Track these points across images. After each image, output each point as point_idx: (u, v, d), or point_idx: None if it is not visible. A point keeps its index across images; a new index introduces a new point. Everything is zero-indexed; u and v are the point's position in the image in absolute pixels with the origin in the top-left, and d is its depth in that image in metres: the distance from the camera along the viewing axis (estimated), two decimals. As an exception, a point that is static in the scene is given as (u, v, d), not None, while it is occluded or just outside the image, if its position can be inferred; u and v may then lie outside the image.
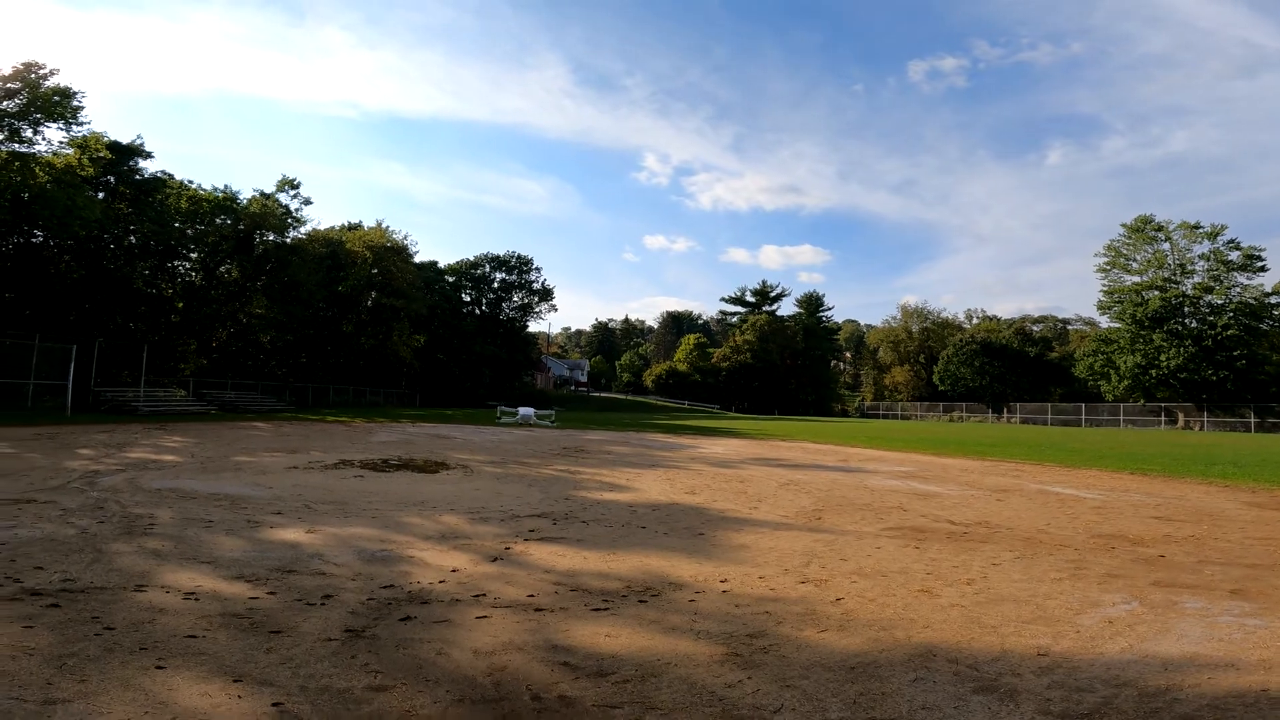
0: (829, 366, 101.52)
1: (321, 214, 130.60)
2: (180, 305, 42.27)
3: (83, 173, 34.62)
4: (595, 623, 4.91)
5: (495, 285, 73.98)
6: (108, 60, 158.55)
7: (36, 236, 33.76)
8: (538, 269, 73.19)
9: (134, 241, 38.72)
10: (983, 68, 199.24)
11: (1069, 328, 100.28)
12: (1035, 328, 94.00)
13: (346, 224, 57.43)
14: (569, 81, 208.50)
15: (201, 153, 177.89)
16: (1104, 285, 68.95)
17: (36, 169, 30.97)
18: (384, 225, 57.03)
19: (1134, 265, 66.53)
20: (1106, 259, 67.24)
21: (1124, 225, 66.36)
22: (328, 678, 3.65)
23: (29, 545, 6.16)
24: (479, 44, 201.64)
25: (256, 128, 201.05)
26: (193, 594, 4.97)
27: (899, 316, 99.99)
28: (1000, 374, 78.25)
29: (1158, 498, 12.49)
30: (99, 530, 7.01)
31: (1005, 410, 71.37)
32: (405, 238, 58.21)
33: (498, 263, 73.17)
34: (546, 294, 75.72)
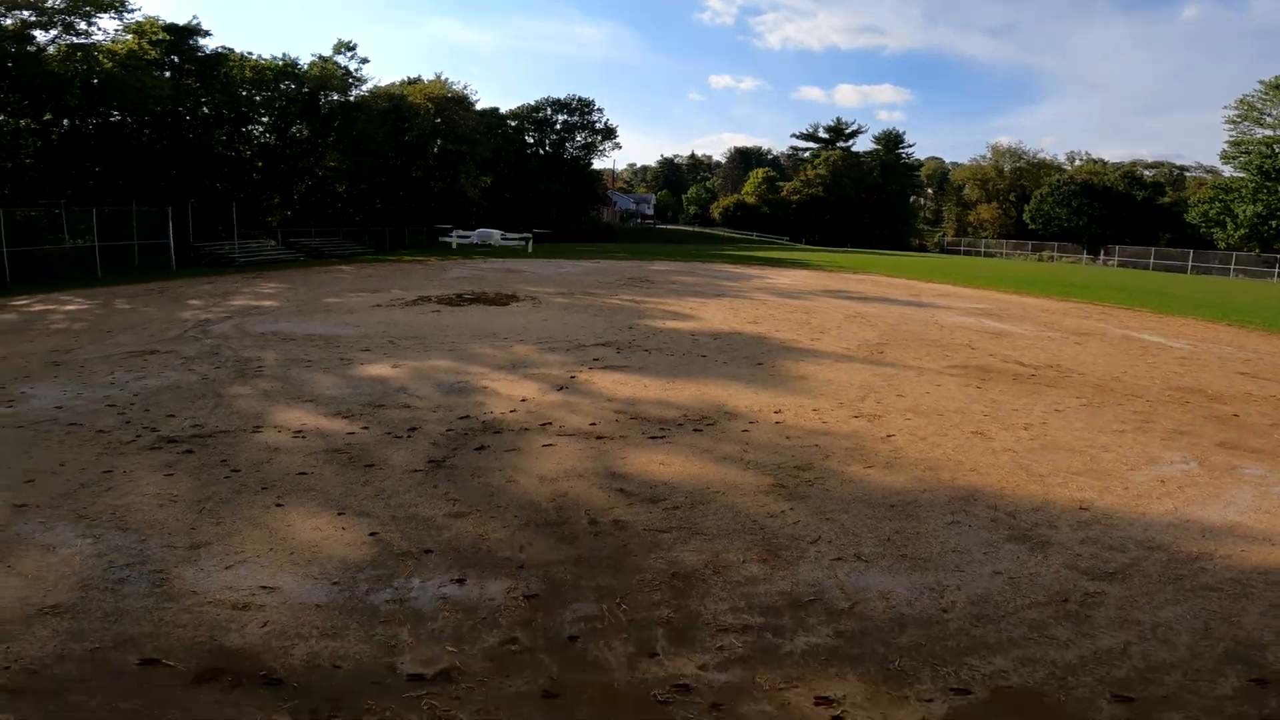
0: (908, 201, 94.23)
1: (381, 73, 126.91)
2: (259, 165, 44.97)
3: (146, 56, 35.90)
4: (651, 450, 5.34)
5: (557, 127, 72.54)
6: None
7: (114, 115, 35.82)
8: (599, 109, 70.92)
9: (207, 112, 41.09)
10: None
11: (1186, 174, 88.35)
12: (1147, 173, 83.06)
13: (406, 79, 57.28)
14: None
15: (256, 27, 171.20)
16: (1231, 136, 61.18)
17: (100, 57, 32.44)
18: (443, 78, 56.48)
19: (1268, 120, 58.74)
20: (1238, 112, 59.51)
21: (1262, 81, 58.05)
22: (414, 507, 4.24)
23: (159, 394, 7.02)
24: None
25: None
26: (300, 432, 5.69)
27: (989, 156, 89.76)
28: (1101, 216, 70.86)
29: (1250, 352, 11.57)
30: (216, 375, 7.88)
31: (1103, 252, 65.84)
32: (465, 88, 57.58)
33: (559, 105, 71.24)
34: (609, 132, 73.84)
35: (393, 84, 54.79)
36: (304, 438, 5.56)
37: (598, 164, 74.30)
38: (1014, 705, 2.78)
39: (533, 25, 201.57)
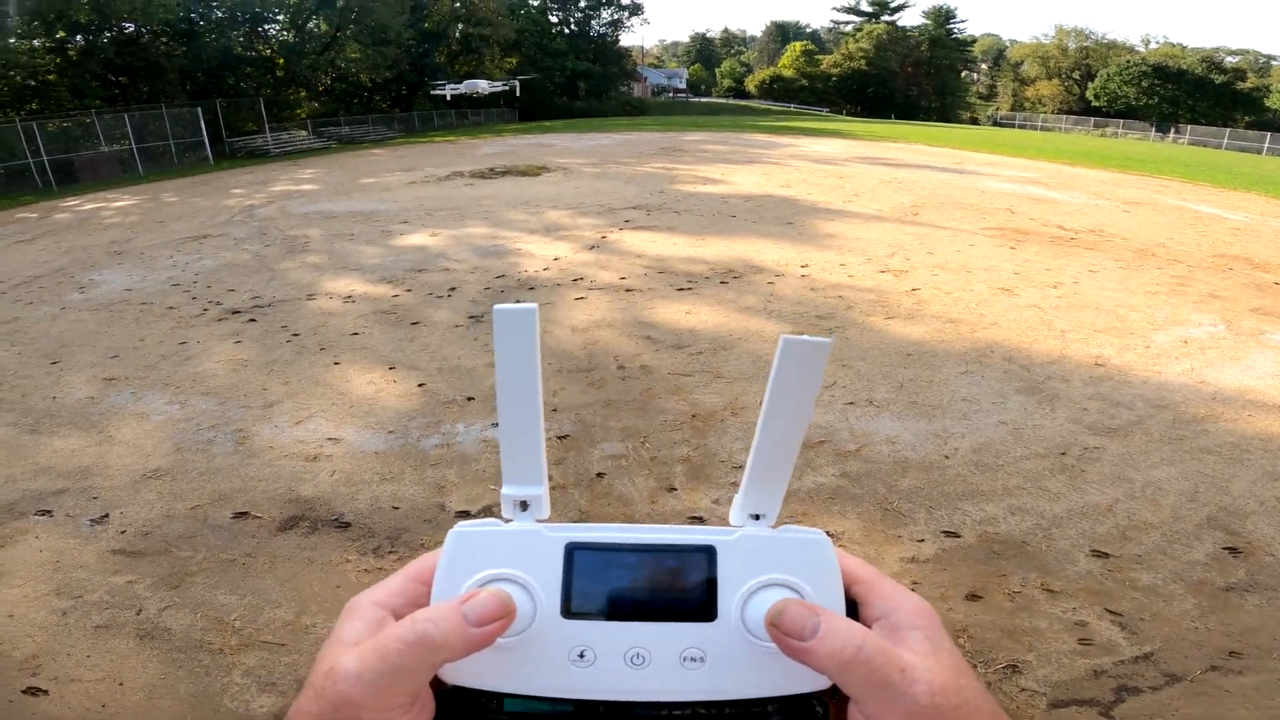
0: (958, 75, 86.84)
1: None
2: (281, 61, 44.14)
3: None
4: (678, 302, 5.58)
5: (581, 4, 68.45)
6: None
7: (127, 28, 35.21)
8: (625, -17, 66.05)
9: (221, 15, 39.86)
10: None
11: (1274, 63, 78.51)
12: (1231, 59, 73.89)
13: None
14: None
15: None
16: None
17: None
18: None
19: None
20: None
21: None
22: (457, 359, 4.60)
23: (218, 272, 7.46)
24: None
25: None
26: (350, 298, 6.07)
27: (1052, 35, 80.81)
28: (1173, 97, 64.27)
29: (1311, 228, 11.05)
30: (267, 253, 8.29)
31: (1173, 130, 60.40)
32: None
33: (581, -19, 66.74)
34: (636, 8, 69.73)
35: None
36: (354, 302, 5.95)
37: (625, 40, 70.31)
38: (998, 551, 2.97)
39: None
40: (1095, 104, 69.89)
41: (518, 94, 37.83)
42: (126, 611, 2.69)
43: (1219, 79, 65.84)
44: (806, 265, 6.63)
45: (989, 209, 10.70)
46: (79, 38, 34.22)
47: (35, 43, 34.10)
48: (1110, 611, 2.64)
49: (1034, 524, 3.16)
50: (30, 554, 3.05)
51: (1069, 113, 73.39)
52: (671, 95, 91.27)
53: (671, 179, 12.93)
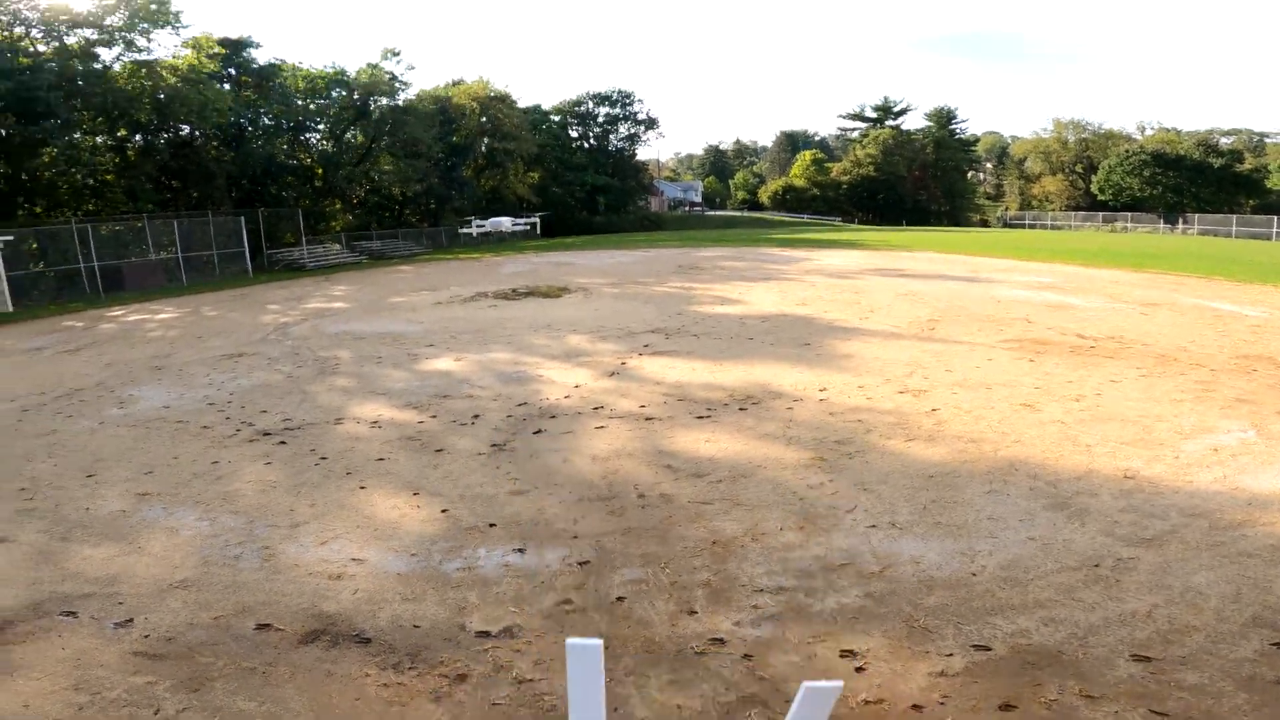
0: (964, 177, 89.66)
1: (424, 77, 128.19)
2: (320, 171, 46.94)
3: (204, 70, 37.72)
4: (698, 430, 5.63)
5: (600, 120, 73.29)
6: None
7: (183, 129, 37.89)
8: (640, 100, 71.57)
9: (268, 122, 42.89)
10: None
11: (1267, 140, 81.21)
12: (1225, 140, 76.50)
13: (450, 81, 59.34)
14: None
15: (304, 37, 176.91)
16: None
17: (163, 72, 34.54)
18: (485, 79, 58.47)
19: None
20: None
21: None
22: (480, 486, 4.67)
23: (251, 392, 7.74)
24: None
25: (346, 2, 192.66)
26: (376, 423, 6.23)
27: (1050, 129, 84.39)
28: (1176, 185, 65.87)
29: (1333, 316, 10.96)
30: (299, 374, 8.59)
31: (1180, 221, 61.40)
32: (507, 87, 59.04)
33: (600, 99, 72.08)
34: (652, 123, 74.22)
35: (437, 87, 56.68)
36: (380, 427, 6.10)
37: (642, 154, 74.61)
38: (1032, 662, 2.88)
39: (571, 10, 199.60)
40: (1101, 197, 71.39)
41: (539, 231, 40.87)
42: (145, 710, 2.70)
43: (1217, 162, 67.21)
44: (825, 389, 6.70)
45: (1006, 319, 10.80)
46: (138, 137, 36.93)
47: (98, 139, 36.56)
48: (1156, 713, 2.54)
49: (1069, 633, 3.07)
50: (52, 650, 3.09)
51: (1076, 208, 74.86)
52: (687, 209, 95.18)
53: (689, 299, 13.35)
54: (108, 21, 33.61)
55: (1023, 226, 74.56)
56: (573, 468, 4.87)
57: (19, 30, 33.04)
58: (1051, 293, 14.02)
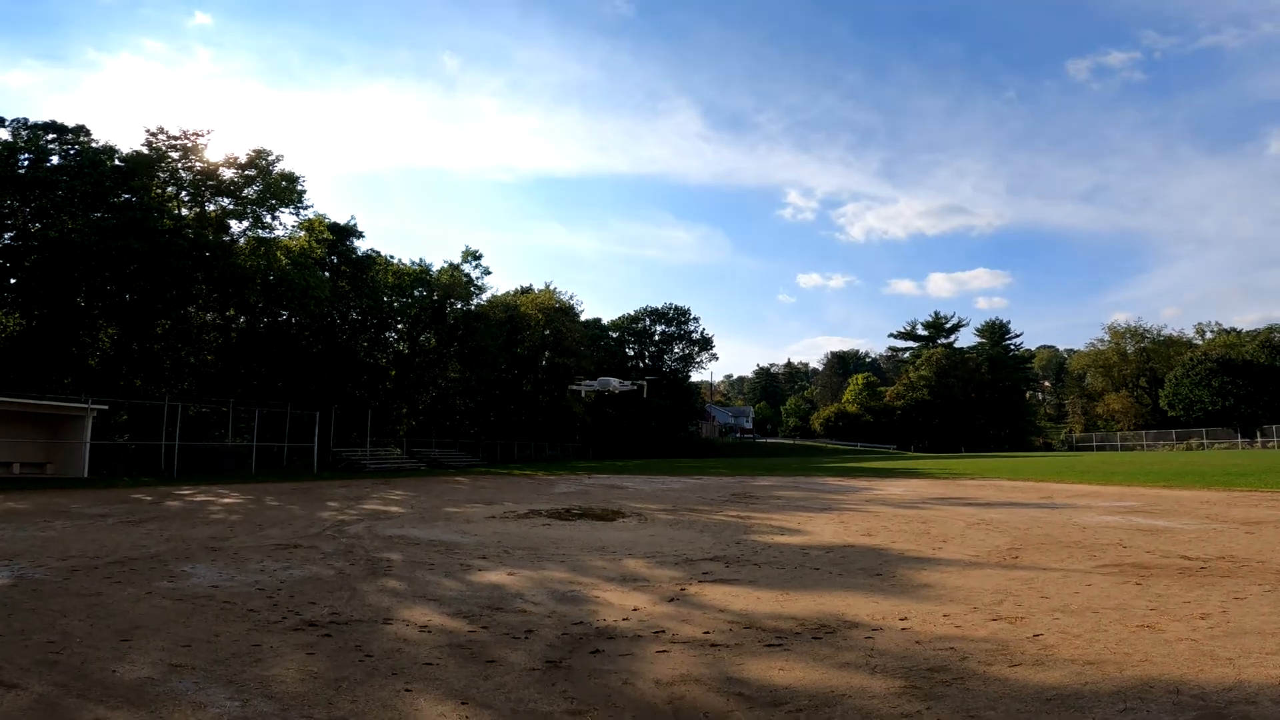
0: (1023, 397, 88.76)
1: (497, 281, 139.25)
2: (393, 373, 48.47)
3: (313, 254, 39.21)
4: (769, 658, 5.10)
5: (656, 338, 76.70)
6: (301, 139, 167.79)
7: (283, 315, 39.37)
8: (695, 319, 74.76)
9: (356, 316, 44.60)
10: (1159, 58, 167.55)
11: None
12: None
13: (519, 288, 62.69)
14: (702, 125, 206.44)
15: (392, 225, 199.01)
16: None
17: (278, 253, 36.34)
18: (552, 287, 62.14)
19: None
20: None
21: None
22: (534, 702, 4.25)
23: (301, 584, 7.65)
24: (610, 97, 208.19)
25: (434, 198, 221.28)
26: (425, 628, 5.94)
27: (1107, 338, 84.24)
28: (1247, 394, 64.20)
29: None
30: (351, 571, 8.50)
31: (1259, 434, 58.73)
32: (571, 298, 62.84)
33: (656, 315, 75.88)
34: (706, 343, 77.13)
35: (506, 293, 59.47)
36: (429, 632, 5.79)
37: (695, 376, 77.12)
38: None
39: (628, 229, 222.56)
40: (1172, 414, 68.38)
41: (645, 394, 42.65)
42: None
43: (1284, 364, 64.12)
44: (906, 618, 6.16)
45: (1096, 545, 10.17)
46: (243, 319, 37.77)
47: (208, 315, 37.61)
48: None
49: None
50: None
51: (1145, 426, 71.67)
52: (739, 435, 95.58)
53: (747, 528, 13.05)
54: (245, 193, 35.07)
55: (1090, 448, 71.47)
56: (634, 690, 4.42)
57: (170, 190, 34.46)
58: (1140, 517, 13.39)
